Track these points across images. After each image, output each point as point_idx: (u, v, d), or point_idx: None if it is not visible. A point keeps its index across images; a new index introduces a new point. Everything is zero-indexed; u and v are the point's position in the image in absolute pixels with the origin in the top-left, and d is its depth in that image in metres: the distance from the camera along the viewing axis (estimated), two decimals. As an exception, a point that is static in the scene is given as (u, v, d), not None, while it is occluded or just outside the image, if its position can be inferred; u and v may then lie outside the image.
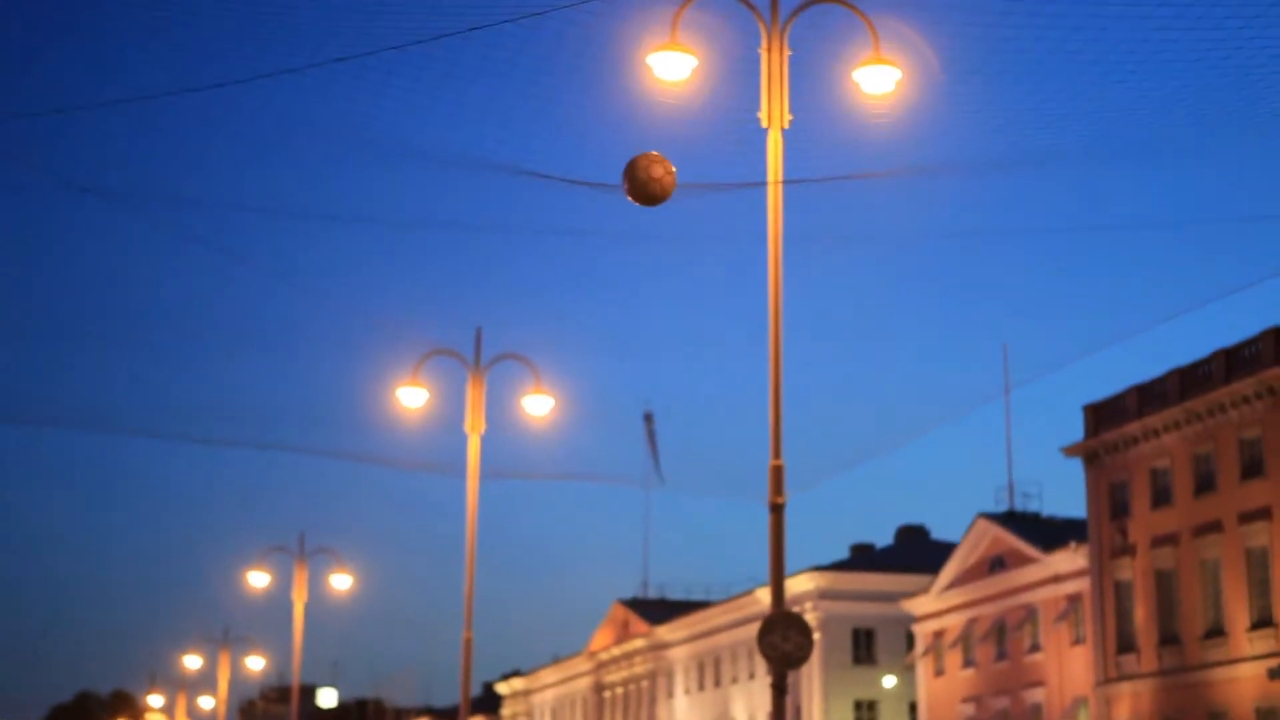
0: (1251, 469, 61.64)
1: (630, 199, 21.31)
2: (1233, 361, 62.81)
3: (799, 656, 22.10)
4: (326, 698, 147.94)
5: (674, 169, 21.33)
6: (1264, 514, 60.83)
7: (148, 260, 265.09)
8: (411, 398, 35.82)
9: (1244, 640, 61.61)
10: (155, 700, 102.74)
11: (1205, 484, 63.86)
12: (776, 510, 21.97)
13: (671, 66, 22.07)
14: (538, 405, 35.56)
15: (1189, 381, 64.88)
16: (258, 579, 56.58)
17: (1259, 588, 61.33)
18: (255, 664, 76.61)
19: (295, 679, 62.90)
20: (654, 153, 21.48)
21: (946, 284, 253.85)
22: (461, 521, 37.18)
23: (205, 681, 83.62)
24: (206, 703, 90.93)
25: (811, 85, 23.48)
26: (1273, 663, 58.78)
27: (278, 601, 56.91)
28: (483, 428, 35.97)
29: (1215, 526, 63.06)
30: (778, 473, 22.07)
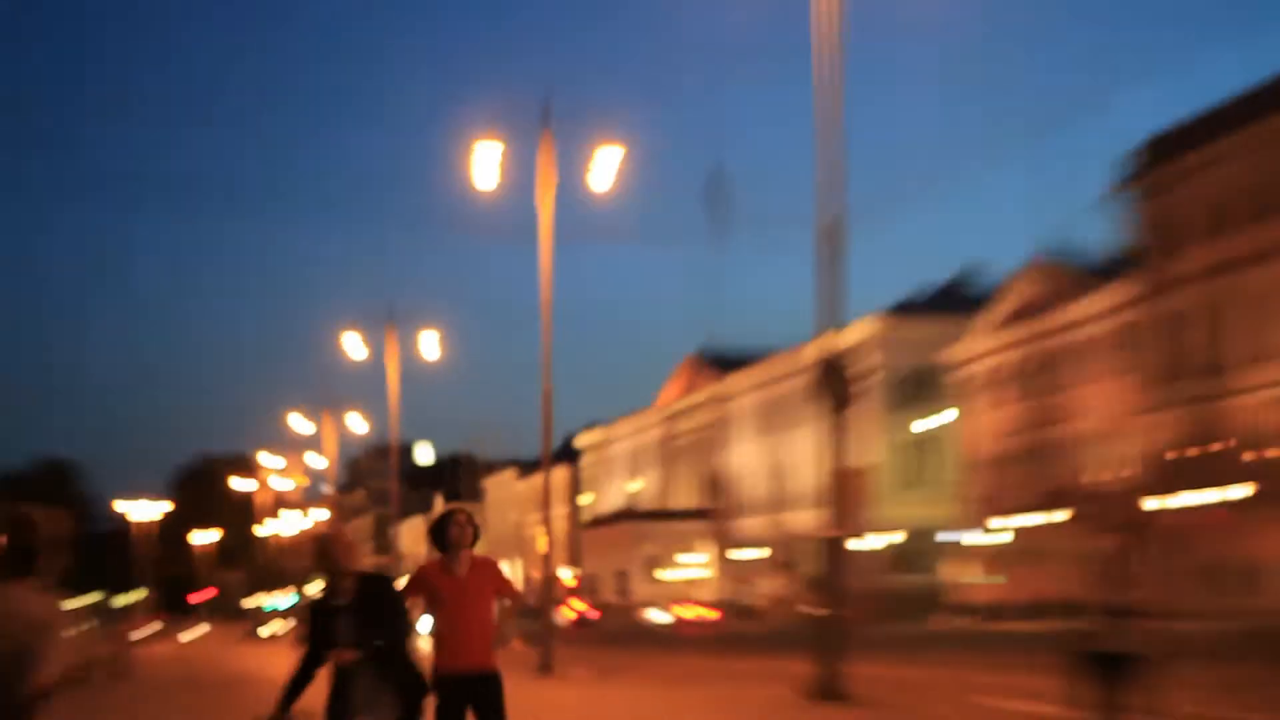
0: None
1: None
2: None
3: (846, 400, 22.45)
4: (423, 454, 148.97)
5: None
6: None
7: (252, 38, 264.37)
8: (487, 155, 34.60)
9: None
10: (270, 460, 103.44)
11: (1259, 214, 61.31)
12: (830, 258, 22.43)
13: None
14: (609, 157, 34.01)
15: (1247, 110, 62.21)
16: (353, 346, 56.16)
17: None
18: (357, 426, 76.89)
19: (393, 437, 63.62)
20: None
21: (1015, 46, 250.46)
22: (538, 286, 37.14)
23: (313, 443, 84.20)
24: (316, 462, 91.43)
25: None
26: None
27: (375, 368, 56.96)
28: (555, 186, 35.46)
29: (1265, 259, 61.19)
30: (830, 230, 22.47)
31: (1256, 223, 61.83)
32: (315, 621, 8.95)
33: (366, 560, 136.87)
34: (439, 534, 10.26)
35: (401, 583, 10.55)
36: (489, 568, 10.37)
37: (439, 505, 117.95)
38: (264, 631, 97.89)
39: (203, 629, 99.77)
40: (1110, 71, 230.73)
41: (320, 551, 9.15)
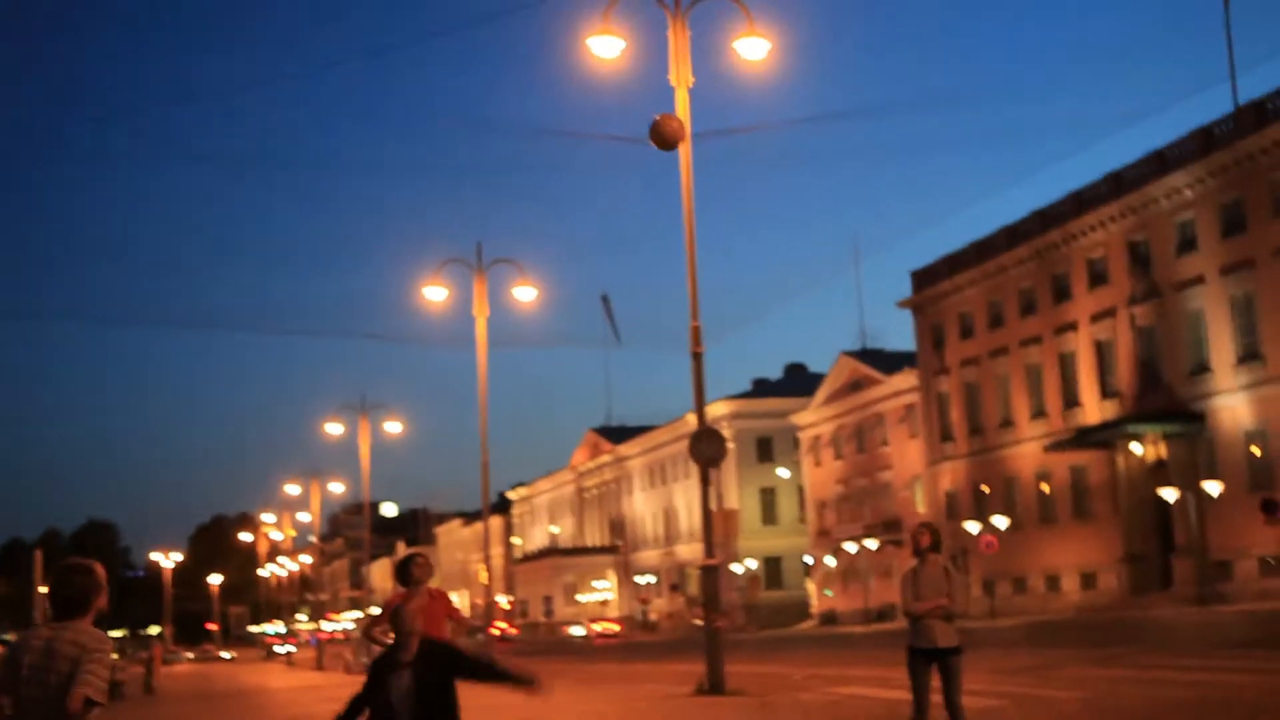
0: (1027, 310, 62.26)
1: (654, 145, 21.75)
2: (1014, 235, 63.34)
3: (717, 459, 22.76)
4: (388, 509, 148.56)
5: (681, 123, 21.78)
6: (1036, 341, 61.50)
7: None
8: (435, 293, 35.59)
9: (1027, 427, 62.32)
10: (268, 517, 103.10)
11: (996, 322, 64.49)
12: (696, 358, 22.60)
13: (607, 47, 22.06)
14: (524, 294, 35.21)
15: (984, 251, 65.44)
16: (333, 428, 56.28)
17: (1036, 391, 62.02)
18: (336, 488, 77.09)
19: (365, 496, 63.57)
20: (669, 114, 21.90)
21: (820, 192, 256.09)
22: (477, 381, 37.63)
23: (301, 503, 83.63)
24: (304, 517, 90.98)
25: (703, 55, 23.67)
26: (1046, 441, 59.33)
27: (349, 444, 57.38)
28: (488, 312, 35.82)
29: (1004, 351, 63.74)
30: (696, 332, 22.54)
31: (993, 329, 64.92)
32: (375, 674, 7.51)
33: (344, 594, 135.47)
34: (404, 572, 10.16)
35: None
36: (442, 598, 10.32)
37: (401, 549, 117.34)
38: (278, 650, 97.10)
39: (221, 653, 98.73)
40: (911, 214, 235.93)
41: (392, 614, 7.68)
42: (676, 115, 21.91)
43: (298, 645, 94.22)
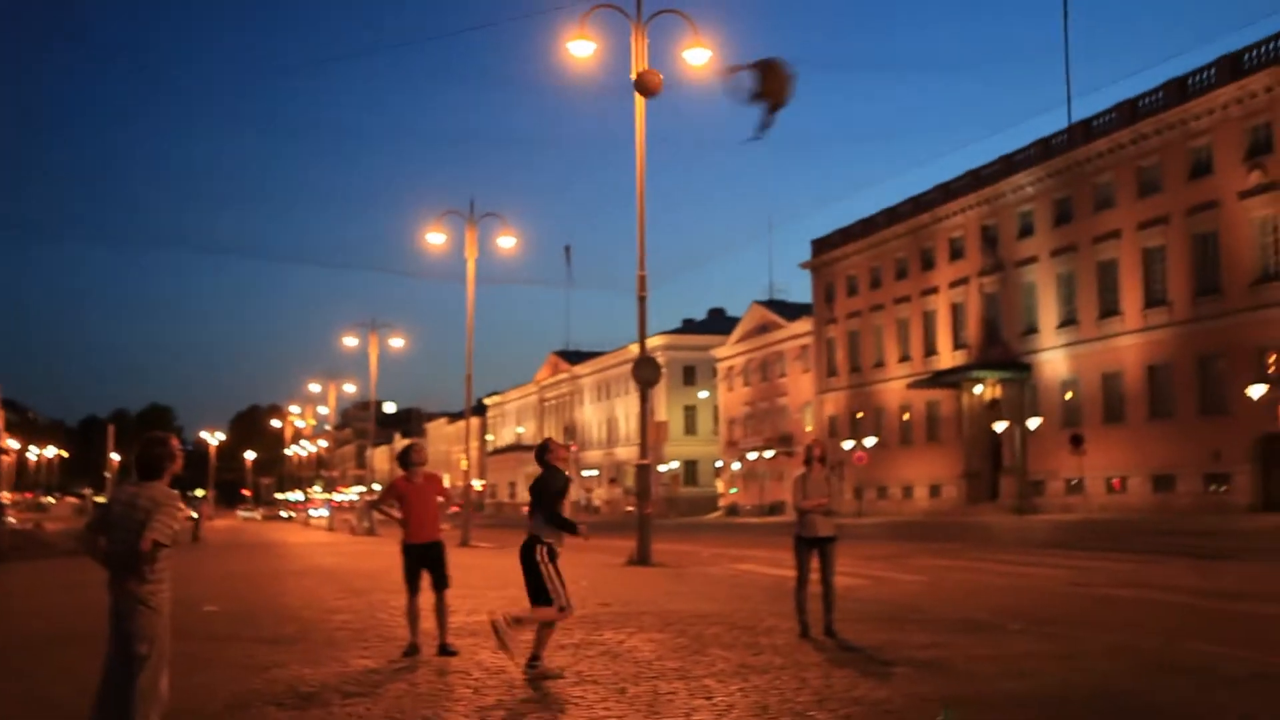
0: (900, 275, 62.38)
1: (638, 92, 21.58)
2: (893, 215, 63.38)
3: (653, 381, 22.71)
4: (389, 407, 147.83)
5: (661, 76, 21.52)
6: (905, 300, 61.70)
7: None
8: (435, 237, 34.90)
9: (895, 368, 62.65)
10: (294, 408, 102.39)
11: (875, 283, 64.61)
12: (641, 301, 22.51)
13: (581, 49, 21.99)
14: (506, 241, 34.65)
15: (869, 226, 65.44)
16: (349, 341, 55.42)
17: (903, 340, 62.30)
18: (349, 388, 76.72)
19: (372, 395, 63.00)
20: (651, 69, 21.63)
21: (746, 174, 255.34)
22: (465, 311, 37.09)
23: (320, 398, 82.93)
24: (323, 410, 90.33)
25: (660, 59, 23.47)
26: (909, 379, 59.75)
27: (361, 354, 56.64)
28: (476, 254, 35.19)
29: (880, 307, 63.91)
30: (642, 280, 22.40)
31: (873, 289, 64.70)
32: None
33: (351, 473, 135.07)
34: (405, 457, 10.16)
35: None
36: (435, 479, 10.31)
37: (399, 440, 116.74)
38: (284, 515, 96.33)
39: (254, 514, 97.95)
40: (815, 195, 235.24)
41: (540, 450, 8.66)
42: (655, 71, 21.76)
43: (314, 510, 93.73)
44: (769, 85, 16.48)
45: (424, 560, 9.92)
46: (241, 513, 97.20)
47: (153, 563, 5.50)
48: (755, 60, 16.75)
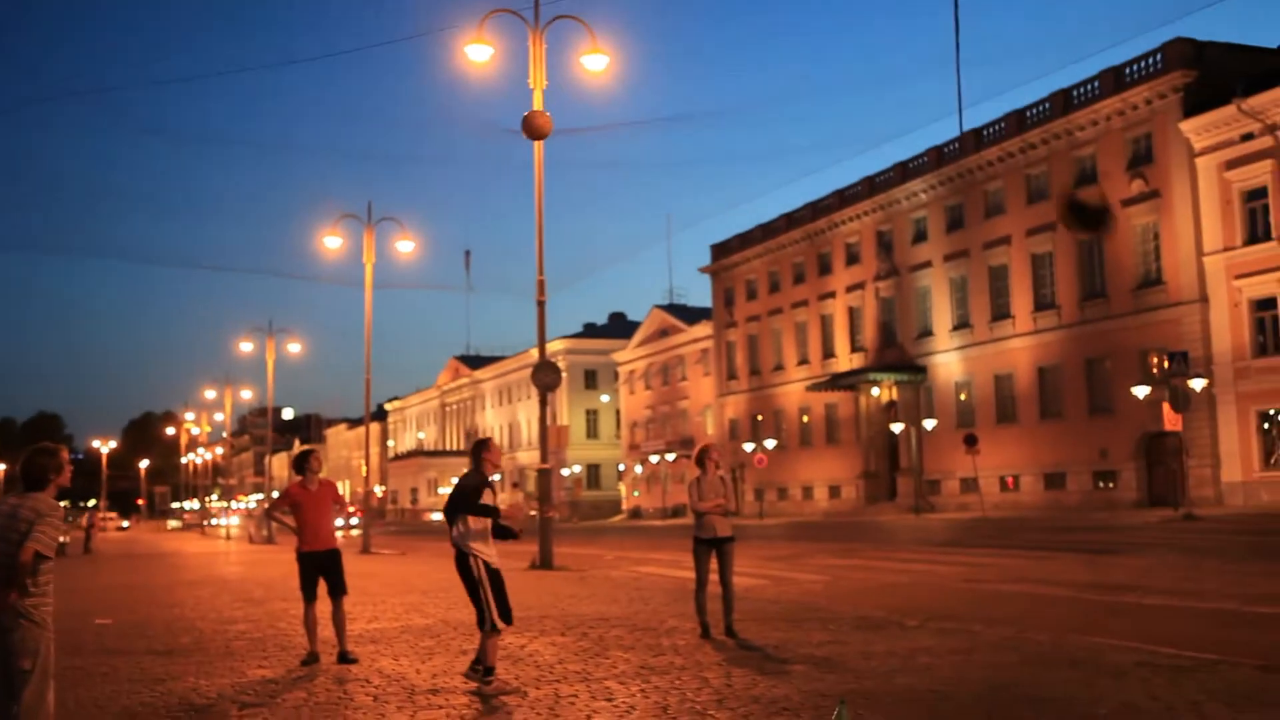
0: (798, 280, 63.09)
1: (525, 134, 21.43)
2: (791, 221, 64.04)
3: (553, 385, 22.66)
4: (287, 413, 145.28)
5: (549, 117, 21.39)
6: (803, 304, 62.40)
7: None
8: (332, 241, 34.44)
9: (794, 371, 63.32)
10: (189, 415, 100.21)
11: (774, 288, 65.26)
12: (540, 305, 22.44)
13: (479, 53, 21.69)
14: (405, 246, 33.94)
15: (767, 232, 66.02)
16: (245, 346, 54.60)
17: (802, 343, 63.00)
18: (246, 394, 76.08)
19: (269, 401, 61.94)
20: (538, 111, 21.48)
21: (646, 180, 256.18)
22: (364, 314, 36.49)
23: (216, 405, 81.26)
24: (219, 416, 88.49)
25: (557, 64, 23.39)
26: (808, 382, 60.38)
27: (258, 359, 55.94)
28: (374, 259, 34.77)
29: (779, 310, 64.55)
30: (541, 285, 22.38)
31: (772, 293, 65.35)
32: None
33: (250, 480, 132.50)
34: (301, 464, 10.01)
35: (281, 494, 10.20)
36: (330, 486, 10.19)
37: (298, 446, 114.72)
38: (172, 524, 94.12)
39: (172, 524, 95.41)
40: (713, 201, 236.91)
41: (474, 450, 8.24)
42: (544, 113, 21.74)
43: (210, 520, 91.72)
44: (1093, 221, 18.76)
45: (321, 568, 9.80)
46: (171, 523, 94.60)
47: (34, 575, 5.35)
48: (1083, 205, 18.54)
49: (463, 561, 7.94)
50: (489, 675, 7.87)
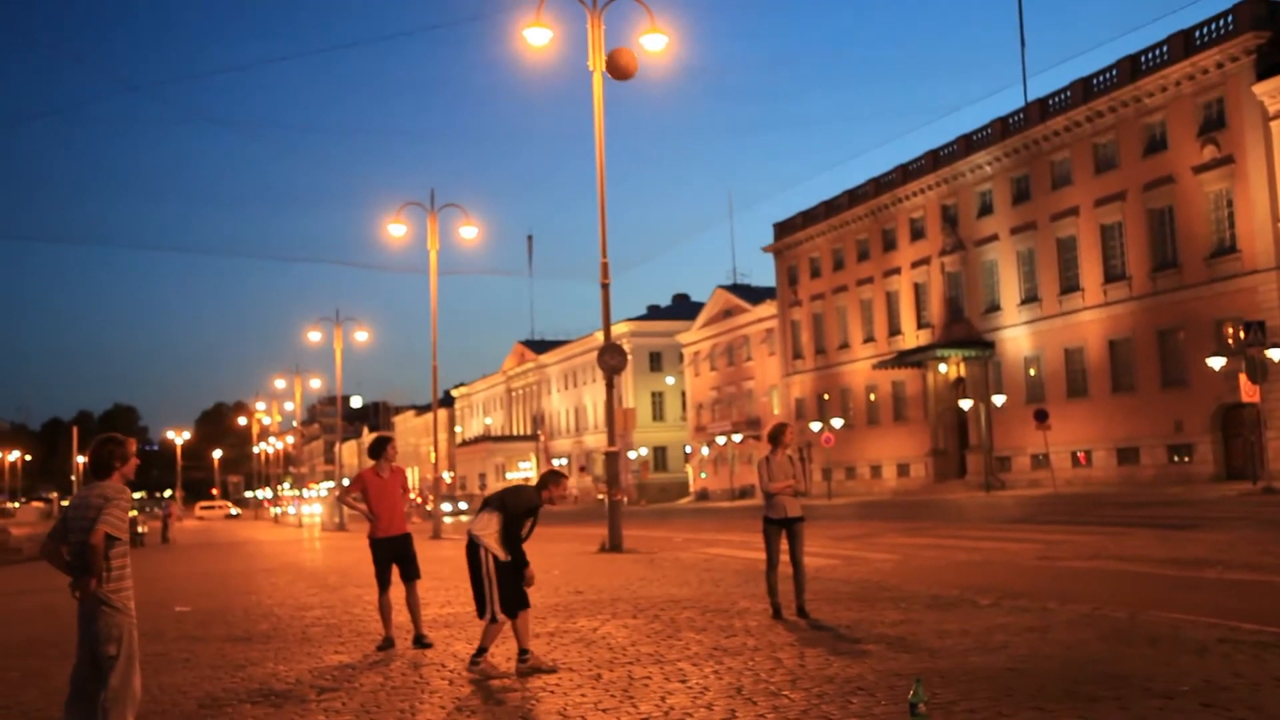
0: (862, 257, 62.66)
1: (611, 74, 21.34)
2: (854, 197, 63.58)
3: (619, 367, 22.65)
4: (355, 401, 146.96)
5: (634, 56, 21.30)
6: (868, 281, 61.98)
7: None
8: (396, 229, 34.68)
9: (860, 349, 62.97)
10: (260, 405, 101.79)
11: (838, 265, 64.85)
12: (604, 288, 22.40)
13: (538, 36, 21.78)
14: (468, 232, 33.96)
15: (830, 209, 65.59)
16: (314, 336, 55.34)
17: (867, 321, 62.61)
18: (315, 383, 76.66)
19: (338, 390, 62.76)
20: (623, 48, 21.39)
21: (708, 158, 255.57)
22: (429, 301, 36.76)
23: (287, 394, 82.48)
24: (289, 406, 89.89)
25: (617, 42, 23.23)
26: (874, 360, 60.03)
27: (326, 349, 56.58)
28: (438, 245, 35.09)
29: (844, 289, 64.17)
30: (605, 267, 22.38)
31: (836, 271, 64.85)
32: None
33: (320, 468, 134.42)
34: (378, 449, 10.12)
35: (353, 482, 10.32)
36: (400, 474, 10.28)
37: (367, 434, 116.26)
38: (209, 515, 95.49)
39: (200, 513, 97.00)
40: (777, 178, 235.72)
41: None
42: (629, 50, 21.60)
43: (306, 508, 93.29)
44: None
45: (393, 554, 9.91)
46: (273, 509, 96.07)
47: (106, 557, 5.45)
48: None
49: (473, 552, 7.96)
50: (479, 654, 8.01)
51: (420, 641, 9.60)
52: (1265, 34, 39.92)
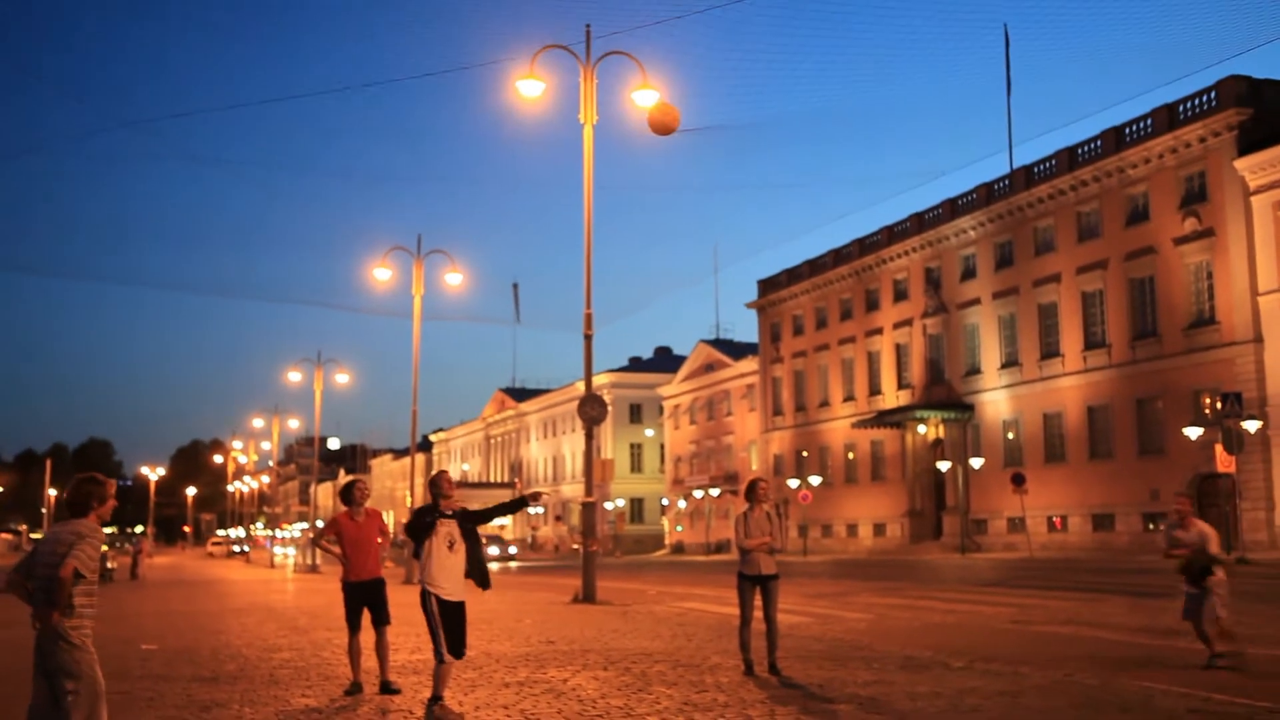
0: (845, 316, 62.89)
1: (653, 130, 21.23)
2: (839, 257, 63.91)
3: (599, 418, 22.70)
4: (333, 443, 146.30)
5: (677, 112, 21.23)
6: (850, 340, 62.16)
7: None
8: (381, 273, 34.78)
9: (840, 408, 63.02)
10: (236, 444, 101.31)
11: (821, 323, 65.08)
12: (588, 339, 22.42)
13: (530, 88, 21.83)
14: (453, 278, 34.32)
15: (815, 268, 65.92)
16: (294, 376, 55.61)
17: (848, 380, 62.72)
18: (293, 424, 76.65)
19: (316, 432, 62.49)
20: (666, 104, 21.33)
21: (694, 215, 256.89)
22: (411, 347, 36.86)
23: (264, 434, 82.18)
24: (266, 445, 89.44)
25: (608, 100, 23.32)
26: (854, 419, 60.07)
27: (305, 389, 56.51)
28: (423, 291, 35.22)
29: (826, 346, 64.33)
30: (588, 318, 22.39)
31: (818, 329, 65.02)
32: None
33: (295, 509, 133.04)
34: (347, 493, 10.07)
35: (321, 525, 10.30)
36: (376, 516, 10.23)
37: (343, 476, 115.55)
38: (217, 550, 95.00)
39: (210, 549, 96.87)
40: (761, 236, 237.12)
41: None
42: (670, 106, 21.47)
43: (252, 548, 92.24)
44: None
45: (365, 598, 9.85)
46: (232, 548, 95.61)
47: (72, 593, 5.41)
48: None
49: (422, 597, 8.12)
50: (434, 701, 8.07)
51: (387, 688, 9.52)
52: (1247, 111, 40.53)
